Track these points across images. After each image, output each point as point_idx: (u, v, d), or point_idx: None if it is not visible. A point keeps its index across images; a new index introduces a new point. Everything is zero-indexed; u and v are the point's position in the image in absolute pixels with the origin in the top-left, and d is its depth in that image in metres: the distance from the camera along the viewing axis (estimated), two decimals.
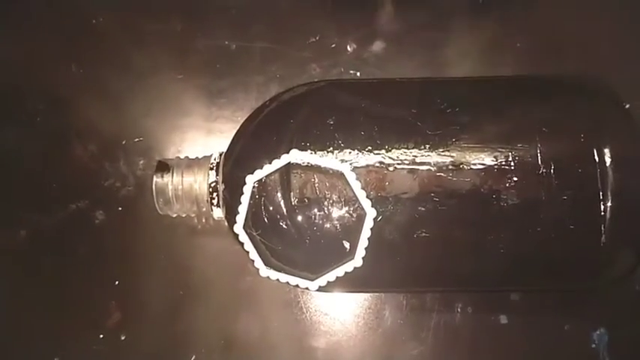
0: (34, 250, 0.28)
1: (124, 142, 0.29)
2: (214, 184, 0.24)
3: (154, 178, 0.24)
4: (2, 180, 0.29)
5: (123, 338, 0.27)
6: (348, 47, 0.31)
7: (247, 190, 0.21)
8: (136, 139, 0.29)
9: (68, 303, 0.28)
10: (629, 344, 0.27)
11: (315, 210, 0.21)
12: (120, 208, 0.29)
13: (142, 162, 0.29)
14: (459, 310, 0.27)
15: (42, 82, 0.31)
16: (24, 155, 0.30)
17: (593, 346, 0.26)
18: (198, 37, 0.31)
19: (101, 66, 0.31)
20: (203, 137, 0.30)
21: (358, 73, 0.30)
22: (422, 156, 0.21)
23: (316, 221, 0.21)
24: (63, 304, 0.28)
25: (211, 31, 0.31)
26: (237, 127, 0.24)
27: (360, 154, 0.21)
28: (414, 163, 0.21)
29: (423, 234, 0.21)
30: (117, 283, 0.28)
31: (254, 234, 0.21)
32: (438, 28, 0.31)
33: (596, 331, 0.26)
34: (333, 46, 0.31)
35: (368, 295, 0.27)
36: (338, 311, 0.28)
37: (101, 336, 0.27)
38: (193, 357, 0.27)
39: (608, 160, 0.21)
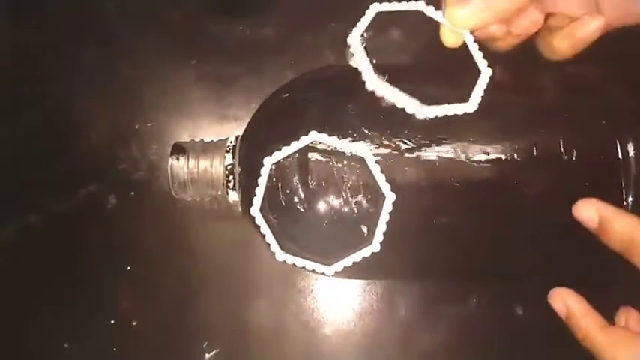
0: (45, 235, 0.28)
1: (137, 127, 0.29)
2: (230, 167, 0.23)
3: (170, 161, 0.24)
4: (15, 164, 0.29)
5: (134, 324, 0.27)
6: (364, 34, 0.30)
7: (264, 172, 0.20)
8: (149, 124, 0.29)
9: (79, 288, 0.28)
10: None
11: (333, 194, 0.21)
12: (132, 193, 0.29)
13: (154, 147, 0.29)
14: (474, 300, 0.27)
15: (55, 67, 0.31)
16: (37, 140, 0.30)
17: None
18: (212, 22, 0.31)
19: (114, 52, 0.31)
20: (216, 123, 0.30)
21: (374, 60, 0.29)
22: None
23: (334, 205, 0.21)
24: (74, 290, 0.28)
25: (225, 16, 0.31)
26: (251, 113, 0.24)
27: (381, 138, 0.20)
28: (435, 148, 0.20)
29: (443, 220, 0.21)
30: (128, 268, 0.28)
31: (270, 217, 0.21)
32: None
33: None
34: (349, 32, 0.30)
35: (382, 283, 0.27)
36: (351, 300, 0.27)
37: (112, 322, 0.27)
38: (205, 343, 0.27)
39: (630, 151, 0.20)
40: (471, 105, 0.19)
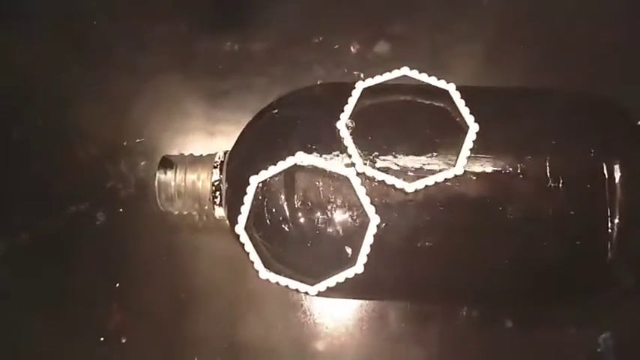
0: (34, 252, 0.28)
1: (125, 144, 0.29)
2: (217, 182, 0.23)
3: (157, 174, 0.24)
4: (3, 182, 0.29)
5: (124, 341, 0.27)
6: (352, 48, 0.30)
7: (250, 190, 0.20)
8: (138, 140, 0.29)
9: (69, 305, 0.28)
10: (634, 348, 0.26)
11: (318, 214, 0.21)
12: (121, 210, 0.29)
13: (143, 163, 0.29)
14: (464, 313, 0.27)
15: (43, 83, 0.31)
16: (25, 157, 0.30)
17: (599, 350, 0.26)
18: (200, 38, 0.31)
19: (103, 67, 0.31)
20: (205, 138, 0.30)
21: (362, 74, 0.30)
22: (429, 164, 0.21)
23: (319, 225, 0.21)
24: (63, 307, 0.28)
25: (214, 32, 0.31)
26: (240, 129, 0.24)
27: (366, 159, 0.20)
28: (420, 170, 0.20)
29: (427, 243, 0.20)
30: (118, 285, 0.28)
31: (255, 235, 0.21)
32: (442, 30, 0.31)
33: (602, 334, 0.26)
34: (337, 47, 0.30)
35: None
36: (342, 315, 0.27)
37: (102, 339, 0.27)
38: (195, 359, 0.27)
39: (617, 177, 0.20)
40: (458, 168, 0.20)
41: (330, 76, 0.30)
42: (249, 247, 0.21)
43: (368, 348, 0.27)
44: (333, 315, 0.27)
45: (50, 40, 0.31)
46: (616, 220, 0.20)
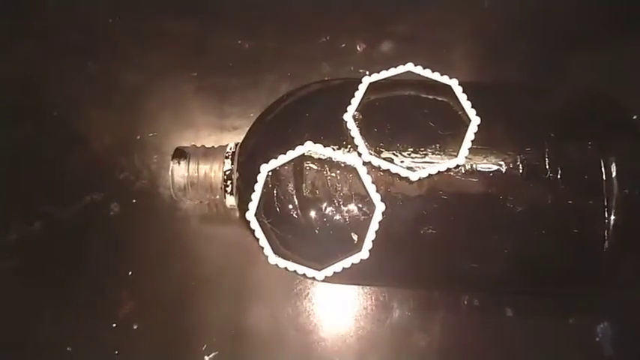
0: (48, 242, 0.29)
1: (138, 137, 0.30)
2: (229, 172, 0.24)
3: (171, 164, 0.25)
4: (18, 172, 0.30)
5: (135, 328, 0.28)
6: (358, 47, 0.31)
7: (261, 178, 0.21)
8: (151, 134, 0.30)
9: (81, 293, 0.29)
10: (633, 338, 0.27)
11: (326, 202, 0.21)
12: (134, 201, 0.29)
13: (155, 156, 0.30)
14: (465, 302, 0.27)
15: (59, 78, 0.32)
16: (40, 148, 0.31)
17: (597, 339, 0.27)
18: (212, 36, 0.32)
19: (117, 63, 0.32)
20: (216, 133, 0.31)
21: (367, 72, 0.30)
22: (432, 155, 0.21)
23: (326, 213, 0.21)
24: (76, 294, 0.29)
25: (225, 30, 0.32)
26: (249, 123, 0.25)
27: (372, 150, 0.21)
28: (424, 161, 0.21)
29: (430, 231, 0.21)
30: (130, 273, 0.28)
31: (265, 222, 0.22)
32: (446, 29, 0.32)
33: (600, 324, 0.27)
34: (343, 45, 0.31)
35: (377, 287, 0.28)
36: (346, 303, 0.28)
37: (114, 325, 0.28)
38: (204, 346, 0.27)
39: (614, 171, 0.21)
40: (460, 158, 0.21)
41: (336, 74, 0.31)
42: (259, 233, 0.21)
43: (372, 335, 0.28)
44: (338, 303, 0.28)
45: (67, 36, 0.32)
46: (613, 212, 0.21)
